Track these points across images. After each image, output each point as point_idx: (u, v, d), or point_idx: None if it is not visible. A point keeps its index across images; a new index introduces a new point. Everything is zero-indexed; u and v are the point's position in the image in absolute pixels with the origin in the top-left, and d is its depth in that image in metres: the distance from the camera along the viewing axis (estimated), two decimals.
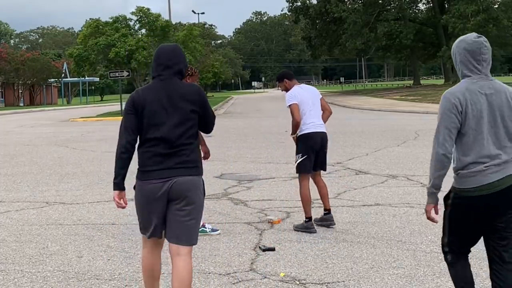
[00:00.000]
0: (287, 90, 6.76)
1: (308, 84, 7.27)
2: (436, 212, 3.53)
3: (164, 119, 3.78)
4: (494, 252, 3.49)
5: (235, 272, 5.09)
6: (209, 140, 10.67)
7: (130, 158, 3.84)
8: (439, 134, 3.42)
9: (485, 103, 3.40)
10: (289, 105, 6.53)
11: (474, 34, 3.47)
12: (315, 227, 6.48)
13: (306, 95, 6.66)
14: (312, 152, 6.54)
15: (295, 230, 6.50)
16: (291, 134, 6.71)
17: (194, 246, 3.89)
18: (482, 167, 3.37)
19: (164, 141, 3.76)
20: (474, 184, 3.37)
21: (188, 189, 3.76)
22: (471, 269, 3.64)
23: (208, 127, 4.04)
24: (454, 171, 3.49)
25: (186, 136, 3.80)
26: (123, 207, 3.96)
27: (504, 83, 3.72)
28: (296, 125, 6.52)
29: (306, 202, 6.52)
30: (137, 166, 3.83)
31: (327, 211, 6.72)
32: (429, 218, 3.54)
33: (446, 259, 3.67)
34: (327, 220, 6.66)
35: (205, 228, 6.41)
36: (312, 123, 6.57)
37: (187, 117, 3.81)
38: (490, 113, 3.42)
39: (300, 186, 6.59)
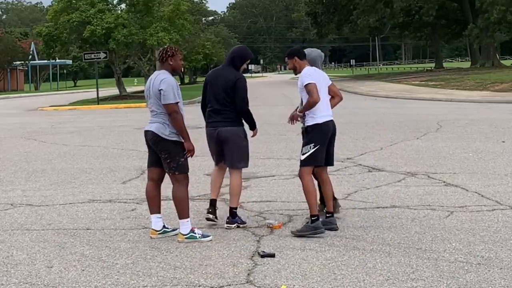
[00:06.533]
0: (295, 70, 6.86)
1: None
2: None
3: (214, 90, 6.85)
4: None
5: (229, 285, 5.10)
6: (200, 131, 10.63)
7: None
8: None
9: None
10: (308, 83, 6.60)
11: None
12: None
13: (319, 79, 6.79)
14: (325, 144, 6.69)
15: (297, 236, 6.49)
16: (300, 112, 6.77)
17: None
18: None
19: (212, 104, 6.87)
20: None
21: (227, 135, 6.78)
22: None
23: (237, 102, 6.77)
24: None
25: (226, 103, 6.77)
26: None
27: None
28: (313, 104, 6.60)
29: (315, 197, 6.60)
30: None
31: (331, 214, 6.77)
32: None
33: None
34: (330, 224, 6.68)
35: (195, 233, 6.41)
36: (328, 113, 6.77)
37: (226, 91, 6.76)
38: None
39: (304, 181, 6.63)
